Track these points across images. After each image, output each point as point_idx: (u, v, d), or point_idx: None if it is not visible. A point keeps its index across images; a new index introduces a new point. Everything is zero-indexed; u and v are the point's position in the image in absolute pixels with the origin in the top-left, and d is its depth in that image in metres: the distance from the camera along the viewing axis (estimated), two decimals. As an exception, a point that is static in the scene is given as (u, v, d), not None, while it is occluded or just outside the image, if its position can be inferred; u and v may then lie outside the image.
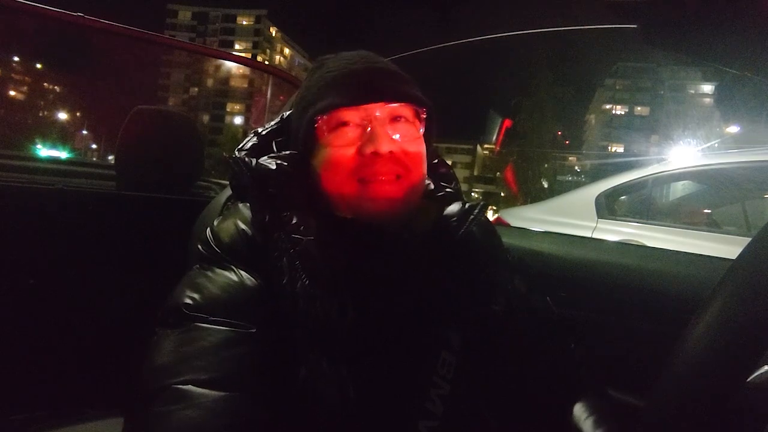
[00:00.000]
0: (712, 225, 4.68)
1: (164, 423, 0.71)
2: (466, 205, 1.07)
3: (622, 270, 1.46)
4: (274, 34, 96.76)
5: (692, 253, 1.47)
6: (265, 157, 0.97)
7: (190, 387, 0.74)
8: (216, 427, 0.72)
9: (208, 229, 0.96)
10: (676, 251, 1.49)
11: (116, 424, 1.33)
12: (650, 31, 1.30)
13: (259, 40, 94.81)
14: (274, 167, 0.94)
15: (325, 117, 0.94)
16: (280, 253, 0.87)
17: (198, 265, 0.92)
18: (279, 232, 0.89)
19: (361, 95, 0.94)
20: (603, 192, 4.20)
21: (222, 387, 0.75)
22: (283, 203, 0.91)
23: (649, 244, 3.20)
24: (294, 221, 0.89)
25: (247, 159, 0.98)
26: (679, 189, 4.96)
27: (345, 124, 0.93)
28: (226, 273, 0.88)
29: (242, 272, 0.88)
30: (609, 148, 73.90)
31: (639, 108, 75.01)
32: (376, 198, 0.92)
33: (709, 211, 4.93)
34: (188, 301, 0.84)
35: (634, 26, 1.33)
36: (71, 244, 1.63)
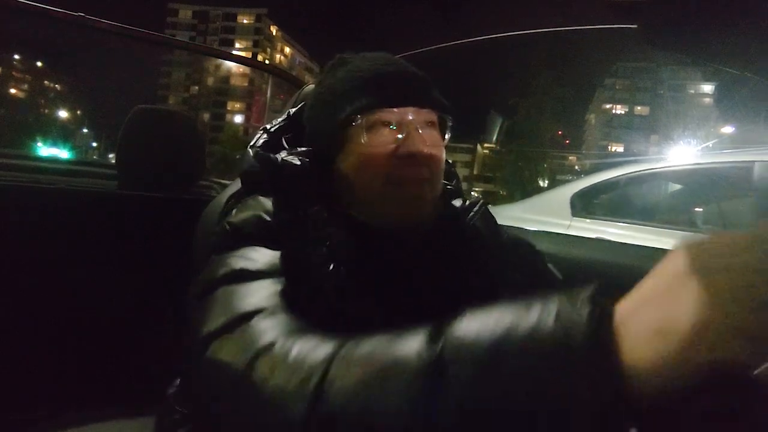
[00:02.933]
0: (686, 224, 4.69)
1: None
2: (467, 202, 1.09)
3: (621, 270, 1.44)
4: (274, 33, 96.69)
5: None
6: (284, 153, 0.97)
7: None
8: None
9: (225, 223, 0.92)
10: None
11: (116, 424, 1.36)
12: (650, 31, 1.30)
13: (260, 39, 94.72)
14: (298, 163, 0.94)
15: (362, 117, 0.93)
16: (304, 243, 0.86)
17: (221, 252, 0.88)
18: (302, 224, 0.88)
19: (400, 98, 0.95)
20: (578, 191, 4.26)
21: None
22: (305, 198, 0.91)
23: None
24: (320, 214, 0.89)
25: (271, 156, 0.97)
26: (653, 188, 5.12)
27: (382, 124, 0.93)
28: (251, 250, 0.85)
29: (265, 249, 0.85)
30: (609, 147, 73.85)
31: (639, 108, 74.92)
32: (407, 200, 0.93)
33: (685, 209, 4.99)
34: (238, 267, 0.81)
35: (634, 26, 1.32)
36: (71, 243, 1.62)
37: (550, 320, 0.48)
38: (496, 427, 0.48)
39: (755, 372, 0.47)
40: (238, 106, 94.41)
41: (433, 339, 0.53)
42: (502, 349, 0.49)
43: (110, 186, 1.99)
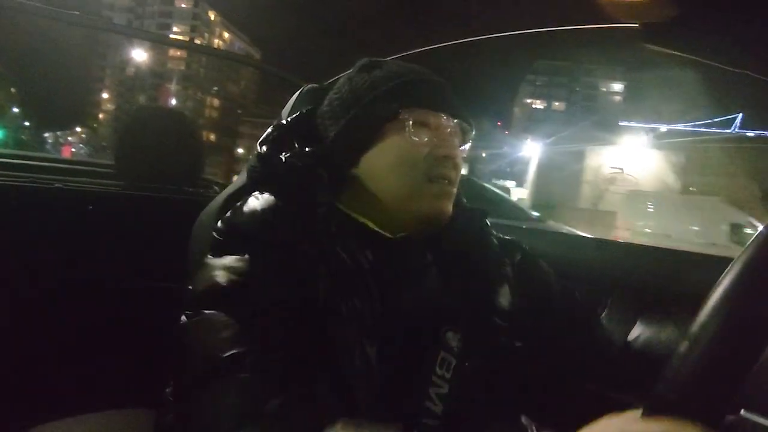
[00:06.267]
0: None
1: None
2: (468, 208, 1.10)
3: (622, 270, 1.42)
4: (212, 18, 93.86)
5: (694, 253, 1.46)
6: (288, 154, 0.97)
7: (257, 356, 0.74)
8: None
9: (226, 218, 0.93)
10: (678, 251, 1.50)
11: (116, 424, 1.34)
12: (650, 30, 1.28)
13: (197, 24, 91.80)
14: (300, 165, 0.94)
15: (408, 115, 0.95)
16: (308, 241, 0.87)
17: (216, 253, 0.88)
18: (309, 223, 0.89)
19: (440, 103, 0.99)
20: None
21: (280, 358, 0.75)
22: (306, 200, 0.91)
23: None
24: (322, 213, 0.90)
25: (274, 156, 0.98)
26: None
27: (423, 124, 0.95)
28: (239, 261, 0.85)
29: (264, 257, 0.85)
30: (528, 139, 76.00)
31: (556, 103, 77.35)
32: (438, 198, 0.96)
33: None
34: (224, 283, 0.82)
35: (635, 25, 1.30)
36: (71, 243, 1.58)
37: None
38: None
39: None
40: (174, 89, 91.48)
41: None
42: None
43: (109, 186, 1.94)
